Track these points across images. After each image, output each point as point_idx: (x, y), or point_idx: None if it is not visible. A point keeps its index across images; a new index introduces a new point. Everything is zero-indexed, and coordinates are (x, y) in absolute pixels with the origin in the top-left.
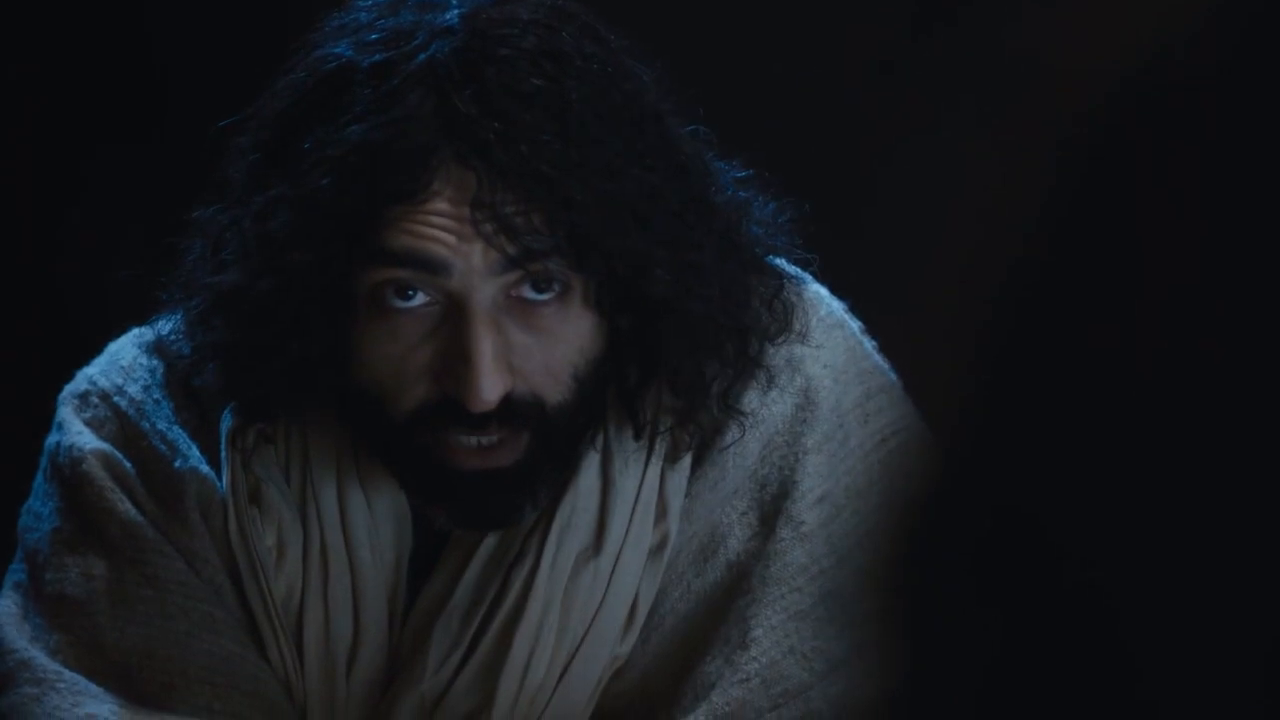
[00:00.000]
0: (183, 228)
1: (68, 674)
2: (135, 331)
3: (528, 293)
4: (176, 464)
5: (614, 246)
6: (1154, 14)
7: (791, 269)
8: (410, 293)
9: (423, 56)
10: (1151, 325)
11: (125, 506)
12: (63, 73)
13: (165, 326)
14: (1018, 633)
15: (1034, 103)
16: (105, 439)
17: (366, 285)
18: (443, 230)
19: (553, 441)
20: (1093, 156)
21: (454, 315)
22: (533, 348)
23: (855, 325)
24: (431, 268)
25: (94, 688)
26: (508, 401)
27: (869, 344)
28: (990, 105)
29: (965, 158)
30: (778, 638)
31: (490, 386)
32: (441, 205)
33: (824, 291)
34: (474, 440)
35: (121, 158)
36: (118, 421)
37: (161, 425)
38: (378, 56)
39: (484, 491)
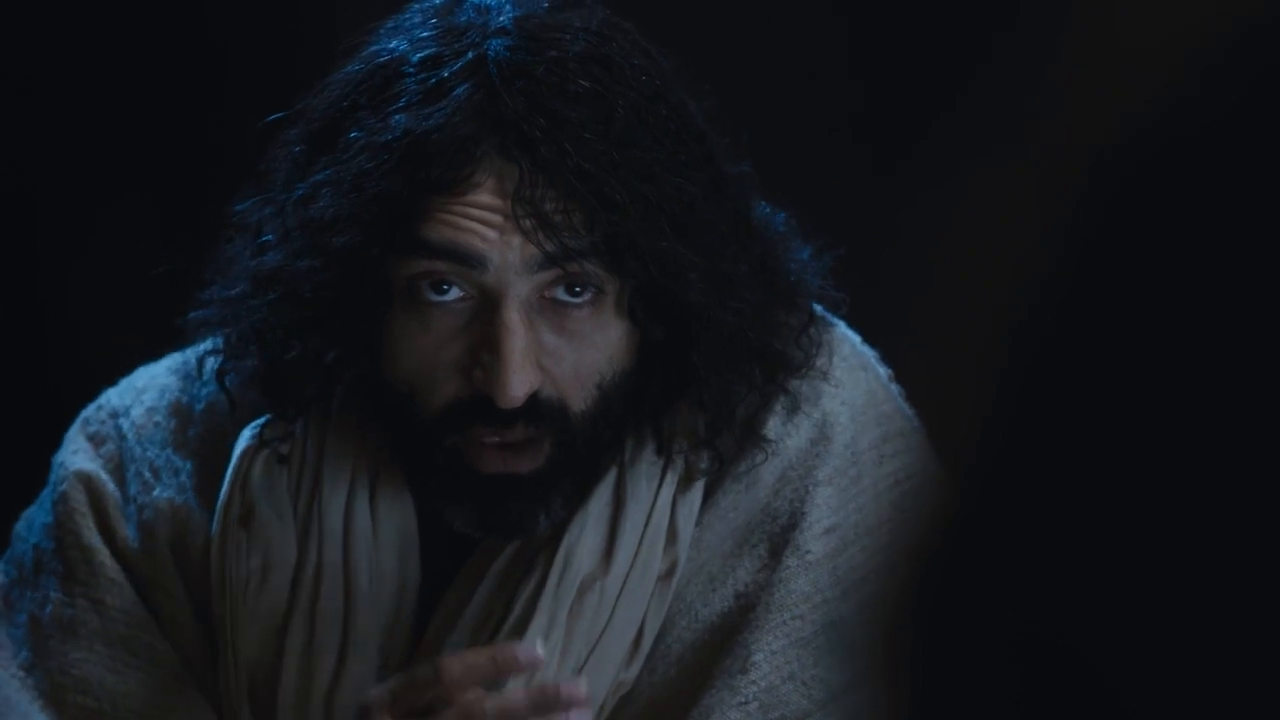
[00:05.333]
0: (222, 220)
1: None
2: (172, 355)
3: (561, 294)
4: (155, 493)
5: (651, 250)
6: (1171, 47)
7: (822, 312)
8: (445, 287)
9: (473, 54)
10: (1165, 358)
11: (88, 532)
12: (63, 73)
13: (201, 349)
14: (1024, 674)
15: (1058, 147)
16: (99, 457)
17: (403, 277)
18: (481, 224)
19: (573, 452)
20: (1110, 198)
21: (487, 310)
22: (563, 350)
23: (881, 371)
24: (468, 261)
25: (26, 706)
26: (534, 402)
27: (893, 389)
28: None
29: (988, 203)
30: (778, 663)
31: (519, 382)
32: (482, 197)
33: (853, 336)
34: (499, 438)
35: (122, 157)
36: (116, 441)
37: (151, 452)
38: (429, 51)
39: (502, 496)
